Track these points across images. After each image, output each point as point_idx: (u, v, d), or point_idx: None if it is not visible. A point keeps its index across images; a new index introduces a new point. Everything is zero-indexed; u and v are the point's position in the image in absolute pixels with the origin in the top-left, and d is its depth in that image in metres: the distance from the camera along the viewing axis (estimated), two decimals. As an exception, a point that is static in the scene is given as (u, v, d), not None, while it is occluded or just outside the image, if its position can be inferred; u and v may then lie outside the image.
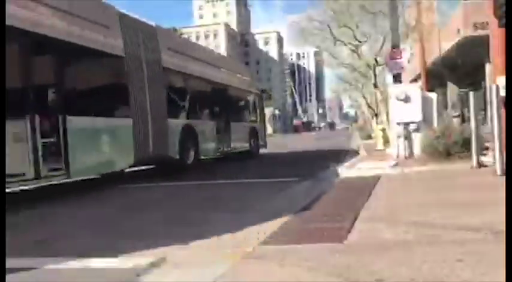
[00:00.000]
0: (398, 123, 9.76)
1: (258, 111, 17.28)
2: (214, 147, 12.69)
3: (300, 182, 8.00)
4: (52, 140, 7.18)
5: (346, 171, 8.57)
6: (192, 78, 11.95)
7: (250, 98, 16.67)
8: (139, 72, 9.60)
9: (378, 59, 19.13)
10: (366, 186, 6.35)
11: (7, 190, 6.39)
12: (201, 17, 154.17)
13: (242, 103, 16.03)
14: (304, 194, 6.23)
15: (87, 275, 3.19)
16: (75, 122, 7.47)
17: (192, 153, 11.18)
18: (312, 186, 7.25)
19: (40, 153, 6.75)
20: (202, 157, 11.92)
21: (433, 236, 3.41)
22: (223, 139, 13.32)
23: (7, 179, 5.92)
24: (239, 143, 14.39)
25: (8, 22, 5.91)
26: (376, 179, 7.16)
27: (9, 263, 3.20)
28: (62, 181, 8.00)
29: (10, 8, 6.19)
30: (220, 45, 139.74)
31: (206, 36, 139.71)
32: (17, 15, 6.55)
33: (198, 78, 12.27)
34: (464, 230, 3.50)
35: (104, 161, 8.49)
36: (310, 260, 2.96)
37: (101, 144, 8.34)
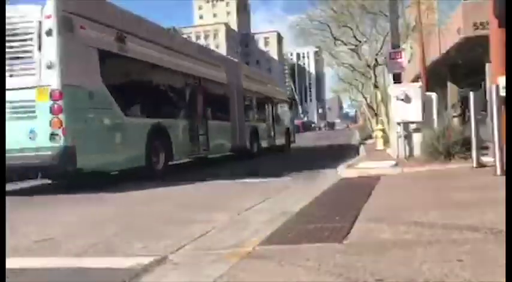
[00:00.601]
0: (399, 123, 9.75)
1: (289, 115, 22.59)
2: (266, 142, 17.80)
3: (300, 181, 8.00)
4: (203, 133, 12.40)
5: (346, 171, 8.56)
6: (255, 94, 17.39)
7: (285, 105, 21.96)
8: (233, 92, 15.11)
9: (378, 59, 19.13)
10: (366, 186, 6.35)
11: (187, 160, 12.58)
12: (201, 17, 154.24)
13: (281, 109, 21.05)
14: (305, 194, 6.22)
15: (86, 275, 3.19)
16: (211, 124, 12.88)
17: (255, 145, 16.31)
18: (312, 185, 7.24)
19: (199, 140, 12.13)
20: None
21: (433, 236, 3.41)
22: (271, 136, 18.62)
23: (190, 154, 11.99)
24: (279, 140, 19.48)
25: (194, 73, 12.39)
26: (376, 179, 7.16)
27: (10, 263, 3.20)
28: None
29: (201, 70, 12.89)
30: (220, 45, 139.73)
31: (206, 36, 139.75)
32: (200, 70, 12.75)
33: (258, 93, 17.68)
34: (464, 230, 3.50)
35: (220, 147, 13.95)
36: (310, 260, 2.96)
37: (219, 137, 13.66)
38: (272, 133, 18.75)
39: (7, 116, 7.50)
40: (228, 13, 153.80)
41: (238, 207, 5.42)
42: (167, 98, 11.07)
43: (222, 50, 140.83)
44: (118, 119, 8.66)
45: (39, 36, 7.53)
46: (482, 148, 7.64)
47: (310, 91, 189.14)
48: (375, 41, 19.41)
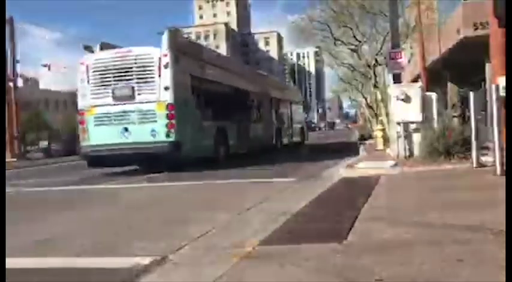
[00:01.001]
0: (399, 123, 9.74)
1: (303, 116, 27.03)
2: (287, 139, 21.14)
3: (300, 181, 8.00)
4: (246, 133, 15.70)
5: (346, 171, 8.56)
6: (279, 100, 20.85)
7: (300, 107, 25.59)
8: (264, 101, 18.46)
9: (378, 59, 19.12)
10: (366, 186, 6.35)
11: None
12: (201, 17, 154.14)
13: (297, 111, 24.55)
14: (305, 194, 6.23)
15: (86, 275, 3.19)
16: (251, 126, 16.38)
17: (279, 142, 19.58)
18: (312, 186, 7.24)
19: (244, 138, 15.27)
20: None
21: (433, 236, 3.41)
22: (290, 134, 22.00)
23: (238, 148, 14.57)
24: (296, 137, 23.09)
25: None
26: (376, 179, 7.15)
27: (10, 263, 3.21)
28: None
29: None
30: (220, 45, 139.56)
31: (206, 36, 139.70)
32: (244, 84, 16.33)
33: (280, 100, 21.16)
34: (464, 230, 3.50)
35: (256, 144, 16.69)
36: (310, 260, 2.96)
37: (255, 136, 16.81)
38: (291, 132, 22.24)
39: (137, 121, 11.24)
40: (228, 13, 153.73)
41: (239, 207, 5.42)
42: (225, 106, 14.08)
43: (222, 50, 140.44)
44: (200, 122, 12.29)
45: (159, 68, 11.09)
46: (482, 148, 7.63)
47: (310, 91, 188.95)
48: (374, 41, 19.38)
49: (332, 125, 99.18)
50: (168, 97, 11.03)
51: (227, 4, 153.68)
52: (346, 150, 15.70)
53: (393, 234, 3.51)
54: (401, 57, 11.61)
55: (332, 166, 10.03)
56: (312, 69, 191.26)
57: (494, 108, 6.45)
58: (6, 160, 21.80)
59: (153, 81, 11.16)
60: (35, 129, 45.54)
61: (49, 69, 35.69)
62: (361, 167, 8.92)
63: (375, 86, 20.31)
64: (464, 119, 16.63)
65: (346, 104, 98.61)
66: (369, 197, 5.45)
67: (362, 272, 2.64)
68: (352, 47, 20.76)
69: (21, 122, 30.03)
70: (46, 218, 5.68)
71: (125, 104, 11.29)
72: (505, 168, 6.17)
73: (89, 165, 12.07)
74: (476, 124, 7.28)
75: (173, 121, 11.00)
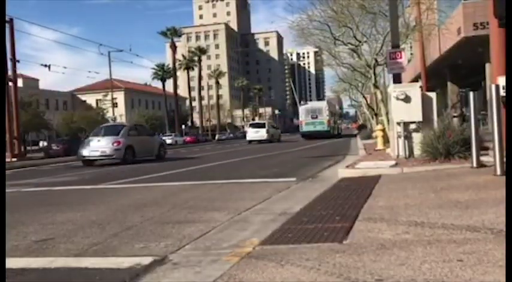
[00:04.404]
0: (399, 123, 9.74)
1: (340, 120, 65.02)
2: (338, 130, 48.01)
3: (299, 182, 8.01)
4: (333, 127, 44.69)
5: (346, 171, 8.56)
6: (335, 112, 49.76)
7: (339, 113, 60.16)
8: (335, 113, 49.30)
9: (378, 59, 19.09)
10: (365, 186, 6.36)
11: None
12: (201, 17, 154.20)
13: (339, 116, 59.86)
14: (305, 194, 6.23)
15: (86, 275, 3.19)
16: (332, 124, 45.19)
17: (334, 132, 42.80)
18: (312, 186, 7.25)
19: (335, 129, 46.01)
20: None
21: (433, 236, 3.41)
22: (337, 129, 47.73)
23: (333, 134, 45.28)
24: (338, 130, 48.36)
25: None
26: (376, 179, 7.16)
27: (10, 263, 3.20)
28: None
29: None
30: (220, 45, 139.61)
31: (206, 36, 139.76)
32: (333, 109, 50.22)
33: (335, 112, 48.91)
34: (464, 230, 3.50)
35: (334, 132, 44.08)
36: (310, 260, 2.97)
37: (333, 128, 43.33)
38: (337, 127, 46.33)
39: (318, 124, 40.28)
40: (228, 13, 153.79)
41: (240, 207, 5.42)
42: (332, 117, 42.92)
43: (222, 50, 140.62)
44: (332, 123, 41.86)
45: (324, 109, 41.38)
46: (482, 148, 7.62)
47: (310, 91, 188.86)
48: (374, 41, 19.34)
49: None
50: (327, 118, 40.09)
51: (227, 4, 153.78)
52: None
53: (393, 234, 3.52)
54: (401, 57, 11.60)
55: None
56: (312, 70, 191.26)
57: (494, 108, 6.44)
58: (6, 160, 21.80)
59: (322, 112, 40.28)
60: (35, 129, 45.43)
61: (49, 69, 35.69)
62: (361, 167, 8.92)
63: (375, 86, 20.27)
64: (464, 119, 16.64)
65: (346, 104, 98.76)
66: (368, 196, 5.46)
67: (362, 272, 2.64)
68: (352, 47, 20.70)
69: (21, 122, 30.02)
70: (45, 217, 5.68)
71: (314, 119, 39.88)
72: (505, 168, 6.18)
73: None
74: (476, 124, 7.27)
75: (328, 124, 40.02)
